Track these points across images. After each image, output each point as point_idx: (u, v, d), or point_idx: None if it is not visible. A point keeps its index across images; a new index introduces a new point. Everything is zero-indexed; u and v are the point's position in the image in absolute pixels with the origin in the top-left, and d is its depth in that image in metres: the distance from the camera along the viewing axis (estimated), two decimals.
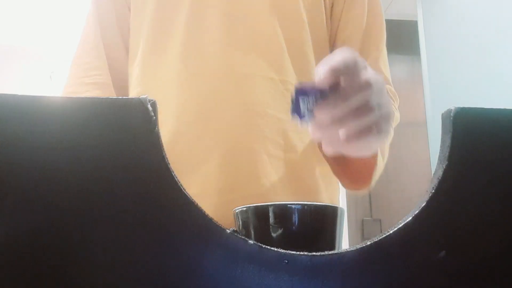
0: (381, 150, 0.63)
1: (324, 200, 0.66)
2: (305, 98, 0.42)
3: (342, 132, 0.45)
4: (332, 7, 0.74)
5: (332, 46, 0.76)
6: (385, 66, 0.75)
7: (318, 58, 0.71)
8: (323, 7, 0.72)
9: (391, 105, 0.51)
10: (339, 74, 0.43)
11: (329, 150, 0.51)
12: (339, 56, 0.44)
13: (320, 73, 0.42)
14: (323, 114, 0.44)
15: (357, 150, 0.52)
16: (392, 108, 0.52)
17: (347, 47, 0.46)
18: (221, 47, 0.64)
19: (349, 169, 0.67)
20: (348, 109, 0.44)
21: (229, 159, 0.61)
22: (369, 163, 0.64)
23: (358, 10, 0.74)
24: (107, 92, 0.71)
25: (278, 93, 0.65)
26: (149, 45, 0.68)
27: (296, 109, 0.42)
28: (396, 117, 0.72)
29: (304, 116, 0.43)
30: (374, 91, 0.45)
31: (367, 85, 0.44)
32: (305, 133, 0.64)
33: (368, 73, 0.45)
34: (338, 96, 0.43)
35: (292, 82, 0.66)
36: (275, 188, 0.61)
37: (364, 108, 0.44)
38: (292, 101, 0.42)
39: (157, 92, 0.65)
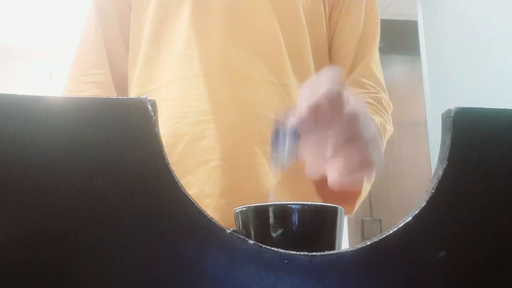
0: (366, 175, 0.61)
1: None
2: (283, 144, 0.39)
3: (333, 171, 0.42)
4: (330, 12, 0.74)
5: (328, 50, 0.75)
6: (377, 69, 0.75)
7: (317, 62, 0.71)
8: (323, 12, 0.72)
9: (378, 137, 0.46)
10: (320, 112, 0.39)
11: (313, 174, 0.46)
12: (321, 90, 0.40)
13: (300, 113, 0.39)
14: (307, 152, 0.40)
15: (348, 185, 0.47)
16: (380, 142, 0.47)
17: (333, 67, 0.42)
18: (223, 49, 0.64)
19: (331, 196, 0.66)
20: (336, 145, 0.41)
21: (229, 160, 0.61)
22: (353, 192, 0.63)
23: (355, 16, 0.74)
24: (107, 91, 0.71)
25: (278, 96, 0.65)
26: (150, 45, 0.68)
27: (274, 157, 0.39)
28: (389, 130, 0.71)
29: (283, 162, 0.40)
30: (360, 122, 0.41)
31: (353, 117, 0.41)
32: None
33: (352, 105, 0.42)
34: (320, 132, 0.40)
35: (292, 85, 0.66)
36: (275, 190, 0.61)
37: (353, 142, 0.41)
38: (271, 147, 0.39)
39: (157, 93, 0.65)
